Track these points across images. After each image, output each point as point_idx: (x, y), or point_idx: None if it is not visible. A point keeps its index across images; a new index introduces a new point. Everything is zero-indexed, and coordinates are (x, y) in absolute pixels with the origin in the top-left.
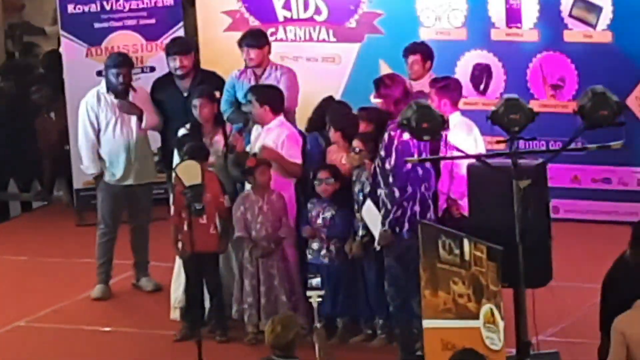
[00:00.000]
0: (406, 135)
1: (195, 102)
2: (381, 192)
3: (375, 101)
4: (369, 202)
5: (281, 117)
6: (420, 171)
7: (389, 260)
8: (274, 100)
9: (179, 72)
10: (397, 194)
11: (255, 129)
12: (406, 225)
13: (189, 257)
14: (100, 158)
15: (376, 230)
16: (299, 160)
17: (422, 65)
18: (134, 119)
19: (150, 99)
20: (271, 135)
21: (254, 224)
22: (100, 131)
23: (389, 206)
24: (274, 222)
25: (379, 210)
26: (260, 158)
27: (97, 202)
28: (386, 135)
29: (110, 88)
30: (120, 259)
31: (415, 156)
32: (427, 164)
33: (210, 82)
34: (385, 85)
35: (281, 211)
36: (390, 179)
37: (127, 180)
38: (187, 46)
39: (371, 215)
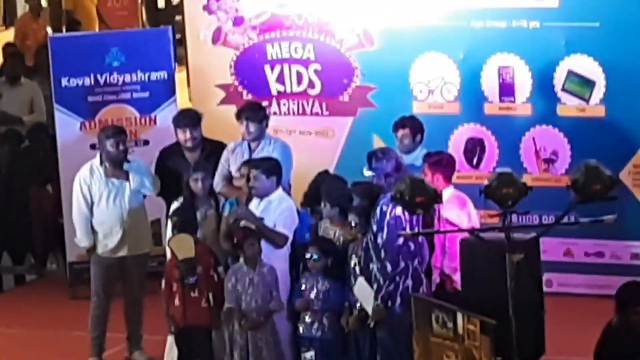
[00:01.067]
0: (398, 210)
1: (198, 175)
2: (373, 266)
3: (368, 174)
4: (360, 279)
5: (281, 190)
6: (412, 246)
7: (381, 333)
8: (278, 171)
9: (189, 144)
10: (389, 268)
11: (253, 203)
12: (398, 300)
13: (181, 330)
14: (93, 231)
15: (369, 306)
16: (287, 232)
17: (412, 139)
18: (127, 190)
19: (147, 167)
20: (271, 207)
21: (245, 296)
22: (93, 204)
23: (381, 281)
24: (264, 295)
25: (371, 284)
26: (247, 231)
27: (91, 275)
28: (378, 210)
29: (109, 159)
30: (113, 331)
31: (408, 230)
32: (420, 238)
33: (218, 153)
34: (377, 159)
35: (272, 284)
36: (382, 254)
37: (120, 252)
38: (196, 118)
39: (363, 292)
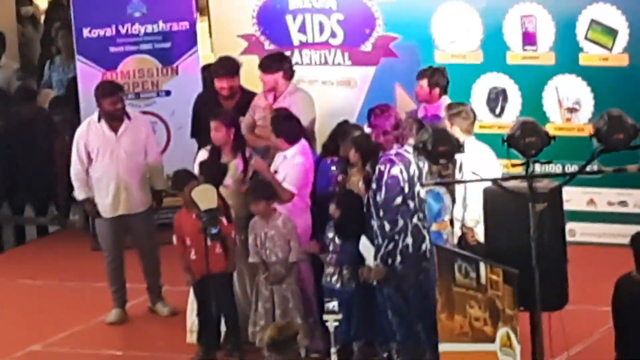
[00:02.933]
0: (395, 170)
1: (212, 124)
2: (374, 223)
3: (367, 131)
4: (363, 238)
5: (299, 145)
6: (411, 204)
7: (387, 290)
8: (289, 130)
9: (224, 93)
10: (387, 227)
11: (277, 155)
12: (398, 258)
13: (199, 281)
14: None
15: (371, 264)
16: (293, 189)
17: (428, 91)
18: (124, 148)
19: (149, 127)
20: (285, 162)
21: (263, 250)
22: (91, 160)
23: (380, 240)
24: (283, 247)
25: (373, 242)
26: (248, 192)
27: (98, 233)
28: (377, 169)
29: (106, 116)
30: (135, 282)
31: (406, 189)
32: (421, 194)
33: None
34: (375, 116)
35: (289, 235)
36: (381, 213)
37: (117, 211)
38: (235, 67)
39: (366, 250)
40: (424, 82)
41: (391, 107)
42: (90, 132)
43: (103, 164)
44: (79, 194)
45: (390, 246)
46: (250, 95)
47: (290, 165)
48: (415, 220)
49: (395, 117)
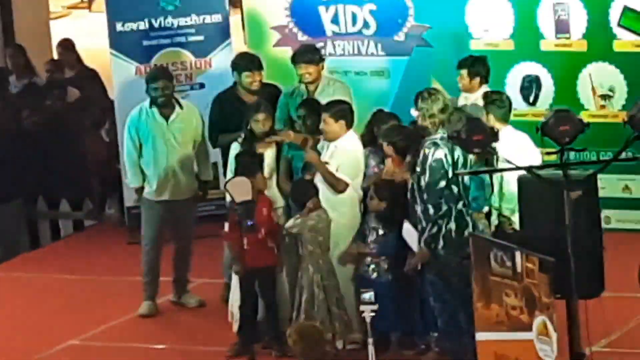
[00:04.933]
0: (439, 153)
1: (260, 116)
2: (418, 208)
3: (415, 114)
4: (406, 224)
5: (350, 133)
6: (456, 189)
7: (430, 276)
8: (347, 115)
9: (254, 87)
10: (431, 211)
11: (322, 145)
12: (441, 243)
13: (246, 273)
14: (143, 173)
15: (415, 249)
16: (347, 179)
17: (469, 80)
18: (175, 135)
19: (199, 117)
20: (337, 152)
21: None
22: (142, 145)
23: (423, 224)
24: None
25: (416, 227)
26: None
27: (142, 221)
28: (421, 152)
29: (152, 102)
30: (168, 276)
31: (450, 173)
32: (466, 180)
33: (277, 94)
34: (423, 99)
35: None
36: (425, 197)
37: (163, 196)
38: (259, 62)
39: (410, 236)
40: (464, 72)
41: (439, 91)
42: (141, 118)
43: (153, 149)
44: (135, 182)
45: (434, 230)
46: (270, 86)
47: (343, 154)
48: (459, 205)
49: (443, 101)
